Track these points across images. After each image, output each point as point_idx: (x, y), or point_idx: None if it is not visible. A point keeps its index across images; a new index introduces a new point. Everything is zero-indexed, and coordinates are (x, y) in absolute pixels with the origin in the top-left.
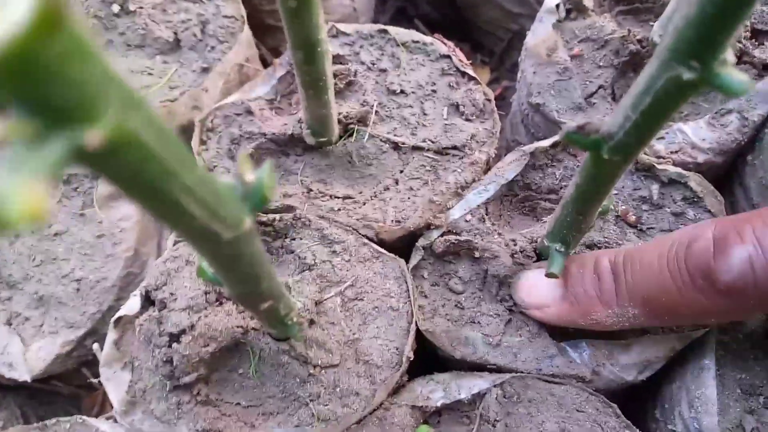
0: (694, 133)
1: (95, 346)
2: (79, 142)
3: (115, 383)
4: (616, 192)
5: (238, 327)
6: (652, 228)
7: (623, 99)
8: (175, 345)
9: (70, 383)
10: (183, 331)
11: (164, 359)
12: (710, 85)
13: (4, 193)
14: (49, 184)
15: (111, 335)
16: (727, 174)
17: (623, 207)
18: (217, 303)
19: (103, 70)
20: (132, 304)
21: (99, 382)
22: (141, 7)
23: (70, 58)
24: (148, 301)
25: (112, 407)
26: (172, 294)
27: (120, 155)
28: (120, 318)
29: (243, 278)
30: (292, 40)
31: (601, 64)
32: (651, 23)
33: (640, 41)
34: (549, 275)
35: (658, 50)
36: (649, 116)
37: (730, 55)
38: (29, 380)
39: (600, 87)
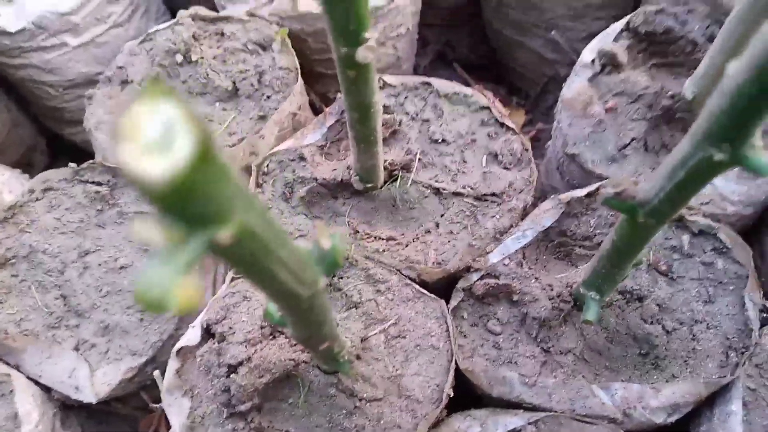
0: (724, 186)
1: (156, 373)
2: (213, 240)
3: (176, 409)
4: None
5: (290, 360)
6: (682, 277)
7: (658, 169)
8: (233, 375)
9: (128, 404)
10: (240, 363)
11: (222, 388)
12: (739, 165)
13: (166, 287)
14: (197, 277)
15: (173, 364)
16: (755, 225)
17: (655, 256)
18: (271, 337)
19: (233, 184)
20: (192, 336)
21: (156, 406)
22: (202, 58)
23: (214, 180)
24: (207, 333)
25: (167, 429)
26: (230, 328)
27: (241, 245)
28: (181, 348)
29: (310, 325)
30: (348, 102)
31: (634, 117)
32: (683, 77)
33: (672, 96)
34: (585, 321)
35: (693, 130)
36: (682, 188)
37: (758, 140)
38: (94, 402)
39: (633, 139)
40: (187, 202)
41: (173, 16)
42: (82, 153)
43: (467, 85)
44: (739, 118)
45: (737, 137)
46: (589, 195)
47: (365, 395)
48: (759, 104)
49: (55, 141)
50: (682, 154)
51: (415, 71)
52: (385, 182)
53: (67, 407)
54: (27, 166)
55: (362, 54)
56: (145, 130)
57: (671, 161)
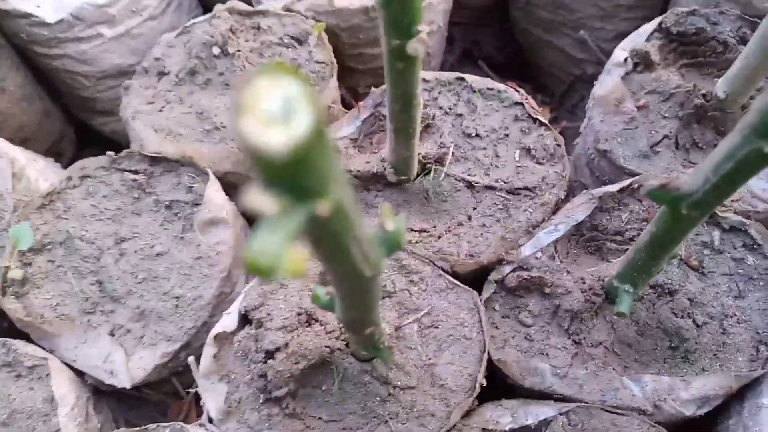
0: (755, 183)
1: (191, 359)
2: (314, 212)
3: (212, 393)
4: None
5: (326, 347)
6: (713, 272)
7: (703, 162)
8: (270, 361)
9: (159, 391)
10: (278, 349)
11: (259, 374)
12: None
13: (277, 254)
14: (304, 247)
15: (210, 349)
16: None
17: (686, 251)
18: (307, 324)
19: (333, 160)
20: (228, 322)
21: (187, 392)
22: (239, 50)
23: (322, 156)
24: (244, 319)
25: (197, 415)
26: (268, 314)
27: (334, 220)
28: (218, 334)
29: (362, 307)
30: (393, 93)
31: (666, 115)
32: (713, 77)
33: (704, 95)
34: (618, 314)
35: (741, 125)
36: (729, 180)
37: None
38: (128, 387)
39: (665, 137)
40: (299, 175)
41: (205, 10)
42: (110, 143)
43: None
44: None
45: None
46: (621, 191)
47: (399, 383)
48: None
49: (83, 131)
50: (731, 147)
51: (442, 68)
52: (418, 175)
53: (99, 392)
54: (56, 155)
55: (413, 46)
56: (267, 104)
57: (718, 155)
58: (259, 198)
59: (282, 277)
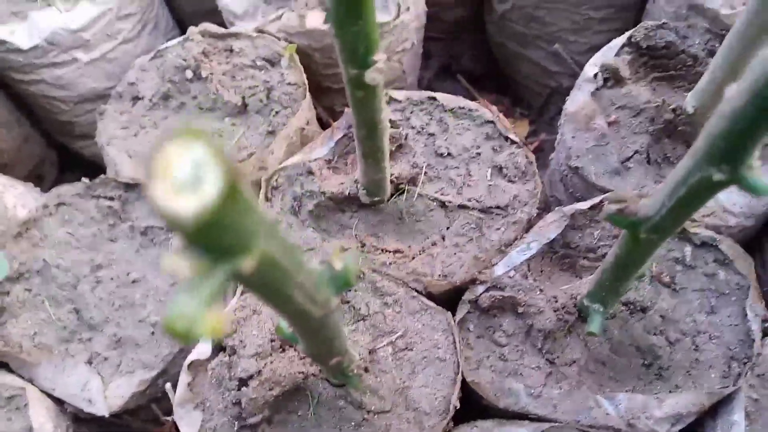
0: (726, 198)
1: (168, 385)
2: (237, 270)
3: (188, 422)
4: None
5: (299, 373)
6: (685, 288)
7: (660, 186)
8: (243, 389)
9: (139, 417)
10: (251, 376)
11: (233, 401)
12: (738, 185)
13: (194, 317)
14: (222, 305)
15: (184, 377)
16: (757, 236)
17: (657, 267)
18: (281, 350)
19: (257, 215)
20: (203, 349)
21: (167, 419)
22: (212, 74)
23: (240, 214)
24: (218, 346)
25: None
26: (241, 341)
27: (262, 273)
28: (193, 362)
29: (321, 342)
30: (357, 120)
31: (636, 130)
32: (684, 90)
33: (674, 110)
34: (589, 334)
35: (693, 150)
36: (683, 205)
37: (756, 161)
38: (107, 415)
39: (636, 152)
40: (214, 237)
41: (182, 31)
42: (90, 165)
43: (471, 96)
44: (737, 140)
45: (736, 158)
46: (592, 208)
47: (373, 407)
48: (756, 127)
49: (64, 154)
50: (683, 173)
51: (420, 83)
52: (392, 195)
53: (79, 420)
54: (37, 178)
55: (371, 76)
56: (176, 170)
57: (673, 179)
58: (175, 260)
59: (200, 339)
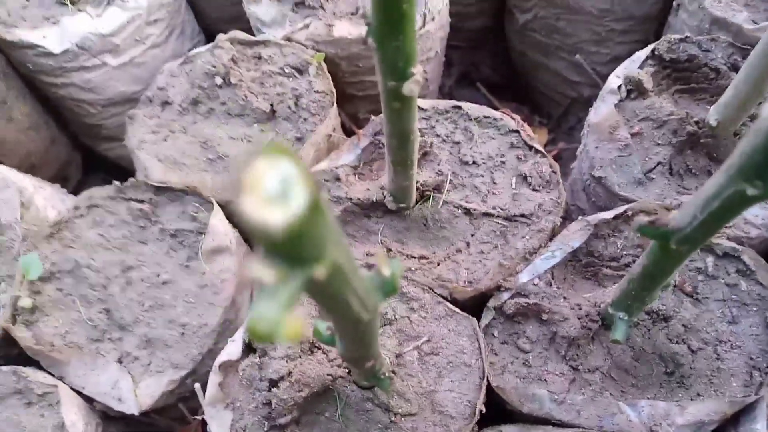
0: (748, 210)
1: (197, 385)
2: (311, 277)
3: (218, 421)
4: None
5: (328, 375)
6: (707, 298)
7: (691, 198)
8: (274, 389)
9: (166, 416)
10: (281, 378)
11: (263, 401)
12: None
13: (275, 320)
14: (300, 312)
15: (215, 377)
16: None
17: (680, 277)
18: (310, 352)
19: (330, 226)
20: (233, 350)
21: (194, 418)
22: (241, 80)
23: (319, 226)
24: (249, 347)
25: None
26: (272, 343)
27: (330, 280)
28: (223, 362)
29: (362, 346)
30: (390, 130)
31: (659, 142)
32: (706, 103)
33: (697, 122)
34: (613, 341)
35: (727, 165)
36: (715, 218)
37: None
38: (137, 414)
39: (658, 163)
40: (296, 246)
41: (207, 37)
42: (115, 167)
43: (491, 104)
44: None
45: None
46: (616, 218)
47: (400, 410)
48: None
49: (89, 156)
50: (717, 187)
51: (441, 91)
52: (417, 202)
53: (107, 418)
54: (63, 180)
55: (408, 87)
56: (266, 184)
57: (705, 192)
58: (259, 268)
59: (281, 342)
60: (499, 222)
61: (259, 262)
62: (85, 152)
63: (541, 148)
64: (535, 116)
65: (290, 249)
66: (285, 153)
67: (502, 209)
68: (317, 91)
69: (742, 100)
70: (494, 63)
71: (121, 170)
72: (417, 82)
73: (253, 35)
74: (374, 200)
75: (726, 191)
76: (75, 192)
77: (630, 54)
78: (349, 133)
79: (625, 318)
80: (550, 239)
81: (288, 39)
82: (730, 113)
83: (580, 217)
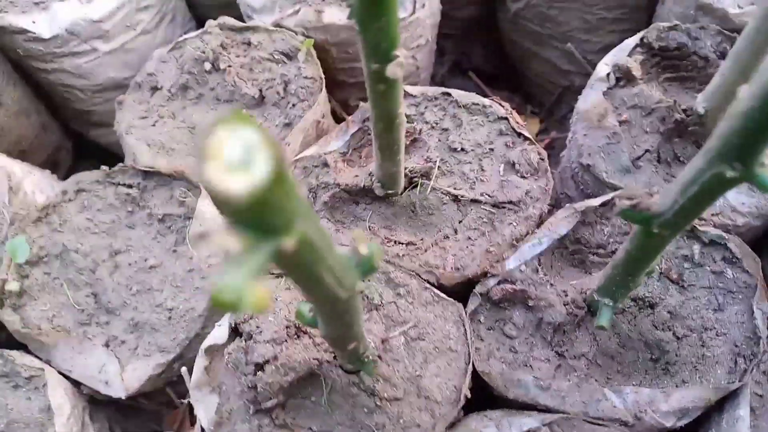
0: (734, 198)
1: (183, 369)
2: (278, 248)
3: (204, 405)
4: None
5: (314, 359)
6: (693, 285)
7: (672, 183)
8: (259, 373)
9: (154, 400)
10: (267, 362)
11: (249, 385)
12: (749, 182)
13: (240, 289)
14: (266, 282)
15: (201, 361)
16: (765, 235)
17: (666, 265)
18: (296, 336)
19: (298, 198)
20: (219, 334)
21: (181, 401)
22: (230, 66)
23: (284, 195)
24: (235, 331)
25: (191, 424)
26: (257, 327)
27: (300, 253)
28: (209, 346)
29: (343, 325)
30: (375, 114)
31: (647, 130)
32: (695, 91)
33: (684, 110)
34: (598, 327)
35: (706, 148)
36: (695, 202)
37: (766, 159)
38: (123, 398)
39: (646, 151)
40: (260, 215)
41: (198, 24)
42: (105, 153)
43: (483, 93)
44: (749, 139)
45: (747, 156)
46: (603, 205)
47: (386, 395)
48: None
49: (79, 142)
50: (696, 170)
51: (433, 80)
52: (405, 189)
53: (95, 402)
54: (53, 165)
55: (392, 70)
56: (228, 152)
57: (685, 176)
58: (224, 237)
59: (245, 311)
60: (487, 209)
61: (225, 231)
62: (76, 138)
63: (529, 135)
64: (527, 105)
65: (255, 218)
66: (248, 121)
67: (489, 196)
68: (306, 77)
69: (729, 87)
70: (486, 52)
71: (112, 156)
72: (400, 64)
73: (244, 22)
74: (362, 186)
75: (705, 174)
76: (66, 178)
77: (621, 42)
78: (339, 119)
79: (610, 304)
80: (538, 226)
81: (278, 25)
82: (718, 101)
83: (567, 205)
